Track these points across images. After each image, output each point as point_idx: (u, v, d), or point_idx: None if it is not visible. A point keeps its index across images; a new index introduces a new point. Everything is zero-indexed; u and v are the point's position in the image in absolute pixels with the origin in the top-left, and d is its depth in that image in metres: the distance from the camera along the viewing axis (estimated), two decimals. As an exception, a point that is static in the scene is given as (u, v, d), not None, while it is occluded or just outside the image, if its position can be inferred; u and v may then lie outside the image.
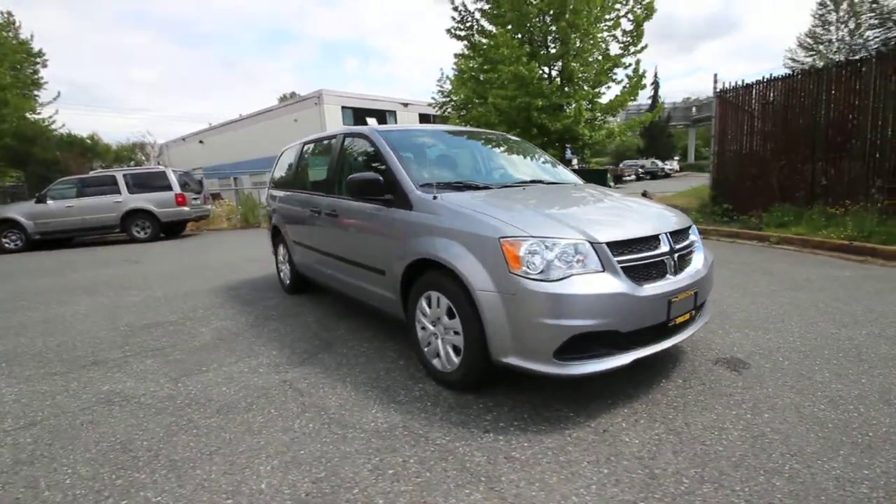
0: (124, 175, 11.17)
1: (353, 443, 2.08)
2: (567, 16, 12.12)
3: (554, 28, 12.66)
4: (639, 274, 2.20)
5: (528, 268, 2.07)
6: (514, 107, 12.37)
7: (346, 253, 3.38)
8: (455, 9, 13.70)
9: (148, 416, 2.42)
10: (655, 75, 44.86)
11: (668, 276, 2.31)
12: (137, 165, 28.06)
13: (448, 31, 14.13)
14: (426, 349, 2.67)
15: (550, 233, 2.14)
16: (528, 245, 2.09)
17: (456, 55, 15.04)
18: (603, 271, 2.11)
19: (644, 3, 12.75)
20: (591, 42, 12.87)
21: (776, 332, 3.22)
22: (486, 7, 13.28)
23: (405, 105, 29.64)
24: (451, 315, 2.42)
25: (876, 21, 33.31)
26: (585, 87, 13.13)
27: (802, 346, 2.96)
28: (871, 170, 6.99)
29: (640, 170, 34.52)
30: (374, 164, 3.14)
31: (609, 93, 14.30)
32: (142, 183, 11.08)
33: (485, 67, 13.69)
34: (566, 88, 12.82)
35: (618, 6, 12.82)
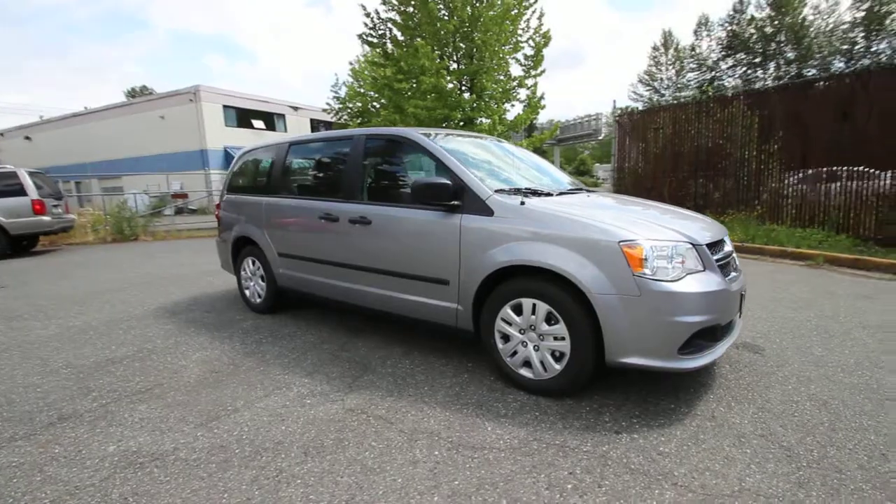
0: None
1: (502, 464, 1.94)
2: (477, 35, 12.78)
3: (463, 46, 13.23)
4: (722, 272, 2.46)
5: (651, 270, 2.17)
6: (433, 118, 12.56)
7: (383, 263, 3.11)
8: (367, 15, 13.48)
9: (215, 475, 1.94)
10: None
11: (732, 273, 2.61)
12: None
13: (360, 36, 13.83)
14: (510, 359, 2.60)
15: (661, 236, 2.28)
16: (649, 248, 2.20)
17: (353, 62, 14.76)
18: (704, 270, 2.31)
19: (542, 32, 14.07)
20: (498, 61, 13.73)
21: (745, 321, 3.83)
22: (399, 19, 13.31)
23: (295, 109, 27.99)
24: (550, 321, 2.40)
25: (695, 65, 41.39)
26: (494, 105, 13.92)
27: (777, 328, 3.58)
28: (740, 185, 8.66)
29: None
30: (425, 170, 2.97)
31: (512, 111, 15.36)
32: (-20, 186, 8.67)
33: (399, 76, 13.67)
34: (480, 103, 13.44)
35: (520, 32, 13.93)
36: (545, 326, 2.43)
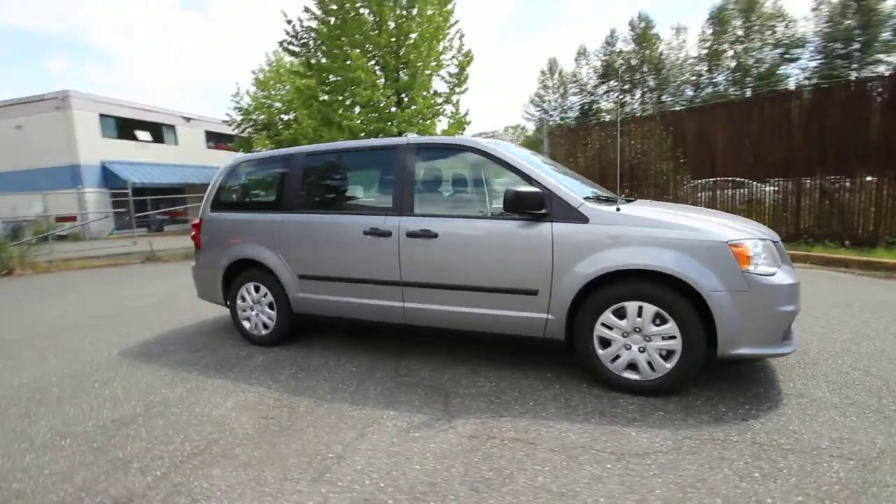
0: None
1: (680, 465, 1.95)
2: (404, 51, 12.89)
3: (392, 62, 13.23)
4: (785, 266, 2.77)
5: (755, 266, 2.38)
6: (368, 131, 12.29)
7: (453, 278, 2.95)
8: (289, 22, 12.80)
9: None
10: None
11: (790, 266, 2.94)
12: None
13: (281, 44, 13.07)
14: (611, 364, 2.63)
15: (754, 235, 2.51)
16: (752, 246, 2.40)
17: (258, 71, 13.93)
18: (782, 265, 2.58)
19: (464, 51, 14.63)
20: (426, 78, 13.96)
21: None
22: (323, 28, 12.86)
23: (187, 119, 25.25)
24: (657, 322, 2.49)
25: (577, 89, 46.12)
26: (423, 120, 14.08)
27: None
28: (659, 193, 9.82)
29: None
30: (496, 179, 2.91)
31: (439, 126, 15.67)
32: None
33: (324, 88, 13.17)
34: (412, 118, 13.48)
35: (443, 50, 14.33)
36: (652, 328, 2.51)
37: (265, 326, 3.79)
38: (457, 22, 14.11)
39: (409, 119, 13.42)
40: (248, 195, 4.01)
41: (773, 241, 2.60)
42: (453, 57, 14.45)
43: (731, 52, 40.23)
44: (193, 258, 4.24)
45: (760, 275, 2.38)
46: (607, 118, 43.12)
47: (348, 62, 11.89)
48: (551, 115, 48.95)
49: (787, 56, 38.18)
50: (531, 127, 52.06)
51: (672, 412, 2.41)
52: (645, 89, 45.40)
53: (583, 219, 2.65)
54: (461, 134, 15.61)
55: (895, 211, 6.78)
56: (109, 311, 5.46)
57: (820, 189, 7.71)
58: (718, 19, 40.05)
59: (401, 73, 13.68)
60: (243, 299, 3.85)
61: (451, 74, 14.57)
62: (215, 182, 4.04)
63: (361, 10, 12.06)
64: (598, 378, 2.72)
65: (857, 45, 34.69)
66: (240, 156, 4.07)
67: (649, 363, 2.55)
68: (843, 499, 1.71)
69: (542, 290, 2.73)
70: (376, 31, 12.31)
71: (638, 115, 39.71)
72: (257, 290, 3.77)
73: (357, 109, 13.52)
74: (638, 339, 2.56)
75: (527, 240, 2.75)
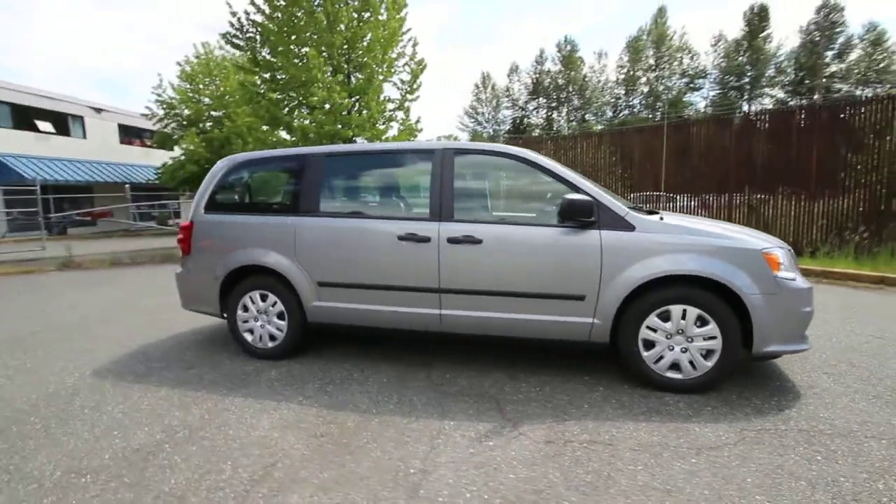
0: None
1: (753, 455, 2.11)
2: (355, 55, 12.67)
3: (346, 65, 12.91)
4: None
5: (784, 272, 2.66)
6: (322, 133, 11.84)
7: (498, 284, 2.95)
8: (233, 14, 12.01)
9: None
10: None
11: None
12: None
13: (224, 36, 12.21)
14: (655, 365, 2.79)
15: (776, 243, 2.80)
16: (781, 254, 2.68)
17: (183, 63, 12.99)
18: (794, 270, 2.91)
19: (416, 59, 14.67)
20: (379, 83, 13.79)
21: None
22: (270, 25, 12.22)
23: (98, 111, 22.54)
24: (698, 324, 2.69)
25: (510, 104, 48.08)
26: (378, 125, 13.88)
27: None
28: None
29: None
30: (535, 187, 2.98)
31: (390, 132, 15.52)
32: None
33: (274, 86, 12.50)
34: (365, 122, 13.22)
35: (395, 57, 14.27)
36: (695, 329, 2.70)
37: (272, 338, 3.51)
38: (410, 30, 14.14)
39: (362, 124, 13.15)
40: (253, 196, 3.70)
41: (788, 250, 2.93)
42: (406, 64, 14.43)
43: (644, 79, 44.39)
44: (181, 264, 3.80)
45: (787, 279, 2.66)
46: (536, 132, 45.43)
47: (301, 61, 11.41)
48: (485, 127, 50.58)
49: (691, 85, 42.93)
50: (464, 137, 53.39)
51: (718, 407, 2.61)
52: (570, 107, 48.54)
53: (629, 227, 2.79)
54: (414, 139, 15.61)
55: (809, 224, 7.87)
56: (46, 326, 4.71)
57: (748, 205, 8.76)
58: (634, 48, 44.06)
59: (353, 76, 13.40)
60: (246, 309, 3.53)
61: (403, 81, 14.53)
62: (211, 180, 3.68)
63: (316, 8, 11.65)
64: (640, 378, 2.86)
65: (747, 79, 39.91)
66: (240, 153, 3.75)
67: (691, 363, 2.74)
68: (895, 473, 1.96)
69: (589, 296, 2.82)
70: (329, 32, 11.94)
71: (565, 131, 42.44)
72: (264, 298, 3.48)
73: (306, 110, 13.01)
74: (681, 341, 2.74)
75: (575, 246, 2.83)
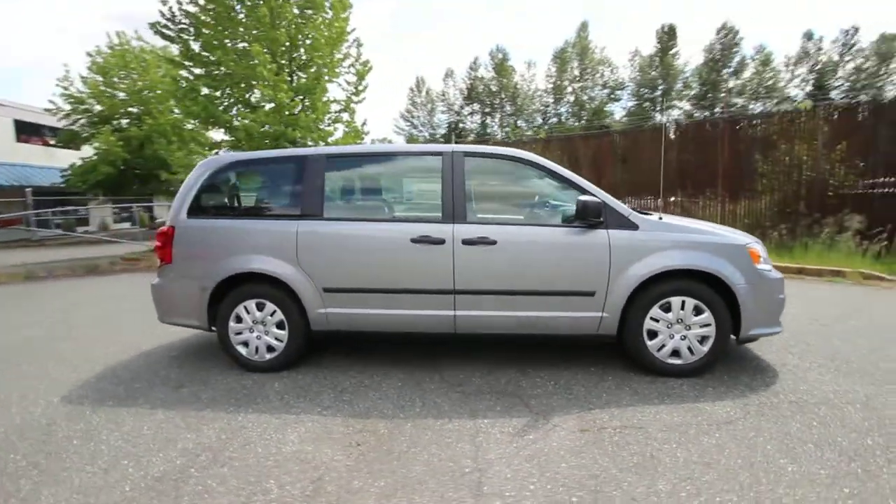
0: None
1: (772, 427, 2.38)
2: (298, 54, 12.26)
3: (286, 62, 12.41)
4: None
5: (763, 264, 3.01)
6: (267, 134, 11.27)
7: (514, 283, 3.04)
8: (164, 2, 11.07)
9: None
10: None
11: None
12: None
13: (153, 26, 11.23)
14: (658, 353, 3.03)
15: (753, 239, 3.16)
16: (759, 248, 3.04)
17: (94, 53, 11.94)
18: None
19: (361, 60, 14.47)
20: (324, 84, 13.41)
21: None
22: (203, 17, 11.43)
23: (-14, 104, 19.64)
24: (695, 313, 2.97)
25: (445, 108, 48.70)
26: (325, 126, 13.48)
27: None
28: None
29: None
30: (543, 190, 3.12)
31: (335, 134, 15.14)
32: None
33: (210, 82, 11.70)
34: (311, 123, 12.77)
35: (340, 58, 13.97)
36: (693, 318, 2.98)
37: (270, 349, 3.33)
38: (354, 30, 13.92)
39: (308, 125, 12.71)
40: (244, 199, 3.48)
41: (762, 244, 3.32)
42: (351, 65, 14.18)
43: (570, 89, 47.08)
44: (158, 274, 3.48)
45: (765, 270, 3.02)
46: (471, 137, 46.42)
47: (241, 57, 10.78)
48: (420, 131, 50.79)
49: (612, 96, 46.22)
50: (400, 140, 53.18)
51: (716, 387, 2.89)
52: (504, 113, 50.19)
53: (633, 226, 3.01)
54: (360, 142, 15.34)
55: (734, 223, 8.84)
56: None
57: (681, 206, 9.65)
58: (560, 59, 46.59)
59: (296, 75, 12.92)
60: (239, 320, 3.32)
61: (348, 83, 14.25)
62: (194, 183, 3.41)
63: (258, 2, 11.10)
64: (644, 366, 3.09)
65: (659, 92, 43.75)
66: (229, 154, 3.52)
67: (689, 349, 3.01)
68: (877, 428, 2.31)
69: (598, 291, 3.01)
70: (272, 28, 11.42)
71: (498, 136, 43.82)
72: (260, 308, 3.29)
73: (246, 108, 12.33)
74: (680, 329, 3.00)
75: (586, 245, 3.00)
